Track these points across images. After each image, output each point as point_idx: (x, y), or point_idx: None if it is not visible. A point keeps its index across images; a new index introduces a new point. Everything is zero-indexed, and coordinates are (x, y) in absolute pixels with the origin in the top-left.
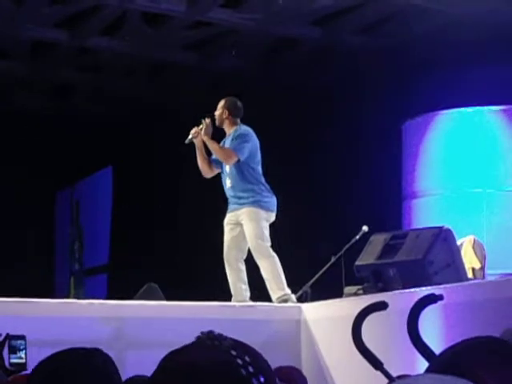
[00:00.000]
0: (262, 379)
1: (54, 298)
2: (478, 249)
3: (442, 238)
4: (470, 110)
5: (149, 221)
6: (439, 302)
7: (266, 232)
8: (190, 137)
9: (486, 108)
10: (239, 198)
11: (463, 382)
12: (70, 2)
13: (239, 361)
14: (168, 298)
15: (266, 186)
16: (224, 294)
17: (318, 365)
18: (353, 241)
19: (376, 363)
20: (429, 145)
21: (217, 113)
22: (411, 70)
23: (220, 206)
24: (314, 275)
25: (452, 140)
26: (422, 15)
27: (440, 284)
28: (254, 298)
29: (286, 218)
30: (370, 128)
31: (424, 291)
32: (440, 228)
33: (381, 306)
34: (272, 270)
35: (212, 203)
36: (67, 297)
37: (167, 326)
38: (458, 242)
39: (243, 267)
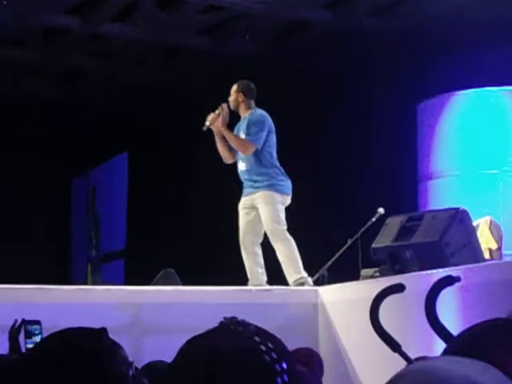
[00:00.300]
0: (284, 365)
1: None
2: (495, 229)
3: (458, 219)
4: (485, 90)
5: (164, 206)
6: (456, 284)
7: (282, 215)
8: (207, 123)
9: (502, 88)
10: (254, 181)
11: (481, 364)
12: None
13: (263, 347)
14: (185, 283)
15: (281, 169)
16: (240, 278)
17: (335, 347)
18: (369, 223)
19: (394, 345)
20: (444, 126)
21: (231, 97)
22: (425, 51)
23: (234, 190)
24: (331, 258)
25: (468, 121)
26: None
27: (457, 265)
28: (271, 281)
29: (301, 201)
30: (385, 109)
31: (441, 273)
32: (456, 209)
33: (398, 288)
34: (288, 253)
35: (226, 187)
36: (85, 284)
37: (184, 311)
38: (474, 223)
39: (260, 251)
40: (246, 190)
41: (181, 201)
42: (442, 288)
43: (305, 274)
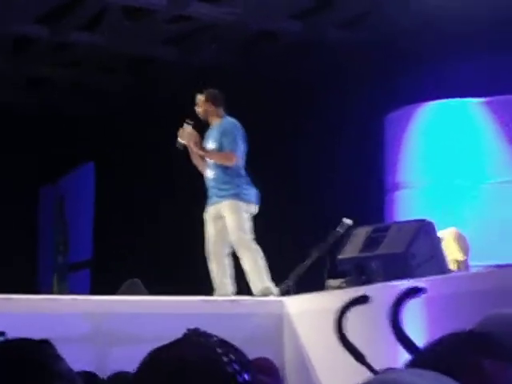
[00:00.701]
0: (246, 376)
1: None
2: (461, 241)
3: (424, 230)
4: (452, 101)
5: (131, 216)
6: (422, 295)
7: (248, 224)
8: (181, 141)
9: (468, 100)
10: (220, 189)
11: (444, 377)
12: None
13: (225, 358)
14: (151, 294)
15: (246, 177)
16: (207, 288)
17: (300, 358)
18: (336, 235)
19: (358, 356)
20: (411, 137)
21: (200, 108)
22: (393, 62)
23: (202, 200)
24: (296, 268)
25: (434, 132)
26: (404, 8)
27: (422, 277)
28: (237, 291)
29: (268, 210)
30: (352, 120)
31: (406, 284)
32: (422, 221)
33: (363, 299)
34: (253, 262)
35: (194, 198)
36: (51, 293)
37: (150, 321)
38: (439, 234)
39: (229, 261)
40: (211, 199)
41: (148, 211)
42: (407, 299)
43: (270, 284)
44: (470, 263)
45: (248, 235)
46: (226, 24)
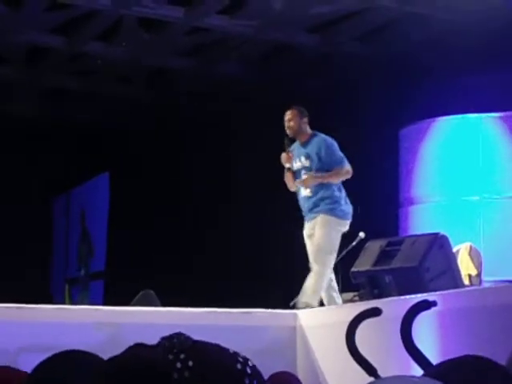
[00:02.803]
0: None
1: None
2: (475, 256)
3: (438, 244)
4: (466, 116)
5: (145, 227)
6: (435, 309)
7: (335, 241)
8: (287, 166)
9: (482, 115)
10: (316, 205)
11: None
12: (67, 7)
13: (178, 363)
14: (164, 305)
15: (344, 193)
16: (222, 301)
17: (313, 371)
18: (349, 247)
19: (370, 370)
20: (426, 151)
21: (291, 123)
22: (408, 76)
23: (219, 211)
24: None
25: (449, 147)
26: (419, 23)
27: (436, 291)
28: (251, 305)
29: (284, 221)
30: (367, 134)
31: (420, 298)
32: (436, 234)
33: (375, 312)
34: (317, 279)
35: (211, 209)
36: (63, 304)
37: (163, 332)
38: (454, 249)
39: (332, 275)
40: (307, 216)
41: (162, 222)
42: (418, 312)
43: (315, 304)
44: (484, 278)
45: (330, 254)
46: (242, 36)
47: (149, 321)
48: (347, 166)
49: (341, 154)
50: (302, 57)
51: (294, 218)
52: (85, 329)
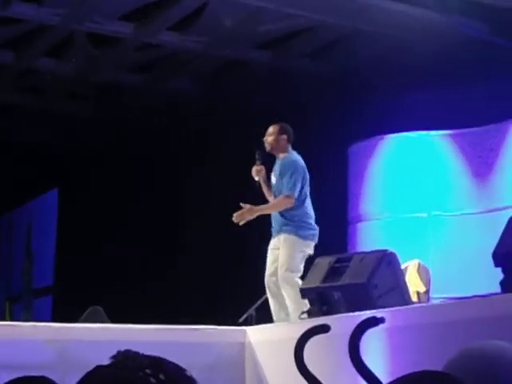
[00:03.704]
0: None
1: None
2: (423, 273)
3: (386, 261)
4: (414, 134)
5: (93, 242)
6: (383, 325)
7: (300, 262)
8: (256, 178)
9: (430, 132)
10: (282, 223)
11: None
12: (16, 22)
13: (152, 379)
14: (112, 321)
15: (310, 214)
16: (170, 317)
17: None
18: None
19: None
20: (374, 168)
21: (270, 138)
22: (358, 93)
23: (170, 225)
24: (259, 298)
25: (398, 164)
26: (368, 40)
27: (384, 307)
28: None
29: (235, 240)
30: (316, 151)
31: (368, 314)
32: (384, 251)
33: (323, 328)
34: (295, 297)
35: (160, 224)
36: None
37: (112, 348)
38: (403, 266)
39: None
40: (274, 231)
41: (109, 238)
42: (366, 329)
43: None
44: (432, 295)
45: (296, 273)
46: (193, 53)
47: (97, 337)
48: (288, 193)
49: (293, 180)
50: (252, 73)
51: (245, 234)
52: (33, 346)
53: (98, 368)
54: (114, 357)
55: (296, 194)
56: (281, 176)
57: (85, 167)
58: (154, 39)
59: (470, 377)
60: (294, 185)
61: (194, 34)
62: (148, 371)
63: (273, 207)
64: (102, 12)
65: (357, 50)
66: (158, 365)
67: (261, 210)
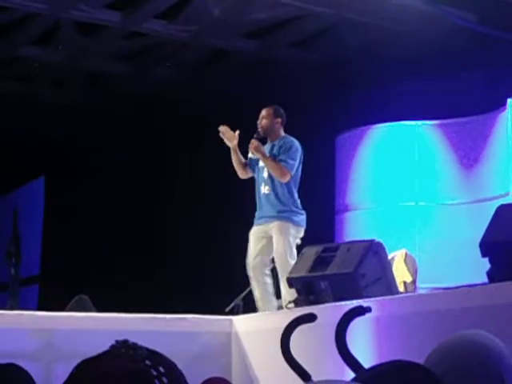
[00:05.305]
0: None
1: None
2: (410, 262)
3: (373, 251)
4: (402, 124)
5: (79, 232)
6: (370, 315)
7: (294, 249)
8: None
9: (418, 122)
10: (274, 209)
11: None
12: (2, 10)
13: (153, 371)
14: (99, 310)
15: (298, 200)
16: (157, 305)
17: (248, 377)
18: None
19: (304, 375)
20: (362, 158)
21: (264, 121)
22: (345, 83)
23: (150, 214)
24: (246, 288)
25: (385, 153)
26: (356, 29)
27: (371, 297)
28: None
29: (221, 229)
30: (303, 140)
31: (355, 304)
32: (371, 241)
33: (309, 318)
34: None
35: (148, 211)
36: None
37: (98, 337)
38: (390, 256)
39: (268, 280)
40: (260, 218)
41: (96, 227)
42: (353, 318)
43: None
44: (418, 285)
45: (294, 260)
46: (180, 41)
47: (83, 326)
48: (288, 168)
49: (294, 158)
50: (239, 62)
51: (230, 224)
52: (19, 334)
53: (99, 356)
54: (113, 346)
55: (293, 173)
56: (279, 153)
57: (72, 155)
58: (142, 27)
59: (444, 369)
60: (294, 162)
61: (182, 23)
62: (148, 362)
63: (273, 163)
64: (89, 0)
65: (345, 40)
66: (156, 357)
67: (264, 154)
